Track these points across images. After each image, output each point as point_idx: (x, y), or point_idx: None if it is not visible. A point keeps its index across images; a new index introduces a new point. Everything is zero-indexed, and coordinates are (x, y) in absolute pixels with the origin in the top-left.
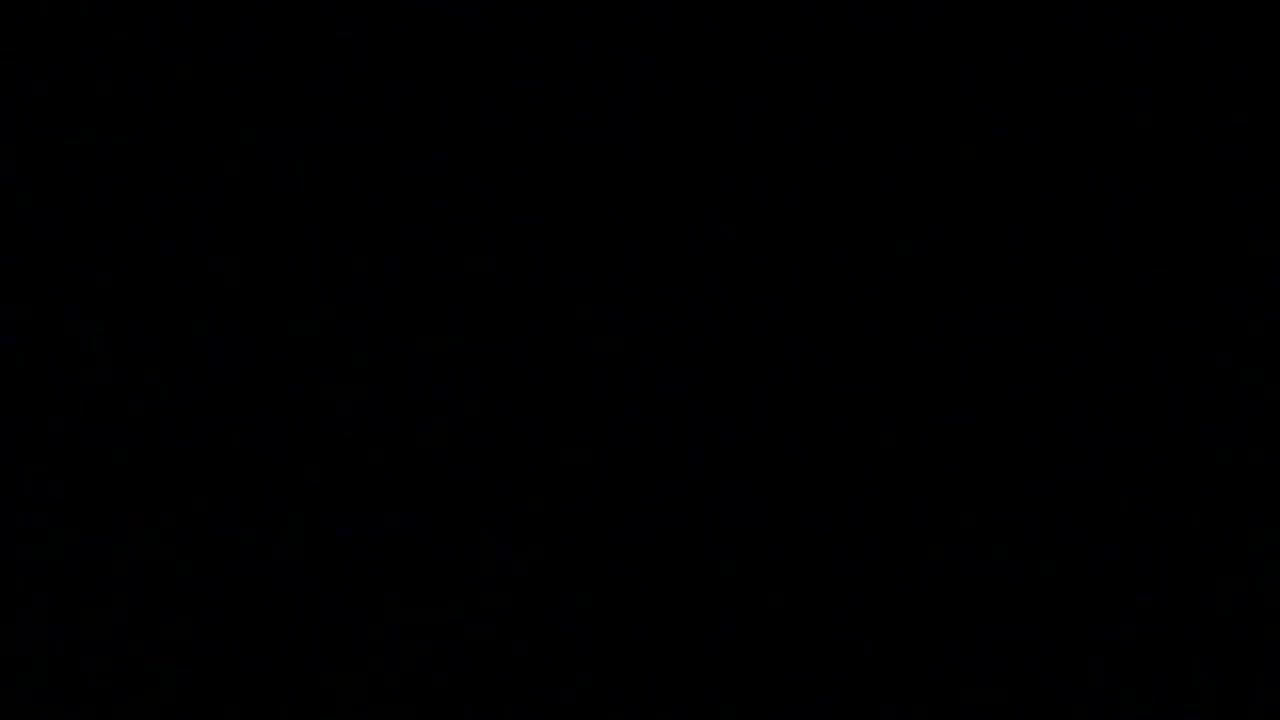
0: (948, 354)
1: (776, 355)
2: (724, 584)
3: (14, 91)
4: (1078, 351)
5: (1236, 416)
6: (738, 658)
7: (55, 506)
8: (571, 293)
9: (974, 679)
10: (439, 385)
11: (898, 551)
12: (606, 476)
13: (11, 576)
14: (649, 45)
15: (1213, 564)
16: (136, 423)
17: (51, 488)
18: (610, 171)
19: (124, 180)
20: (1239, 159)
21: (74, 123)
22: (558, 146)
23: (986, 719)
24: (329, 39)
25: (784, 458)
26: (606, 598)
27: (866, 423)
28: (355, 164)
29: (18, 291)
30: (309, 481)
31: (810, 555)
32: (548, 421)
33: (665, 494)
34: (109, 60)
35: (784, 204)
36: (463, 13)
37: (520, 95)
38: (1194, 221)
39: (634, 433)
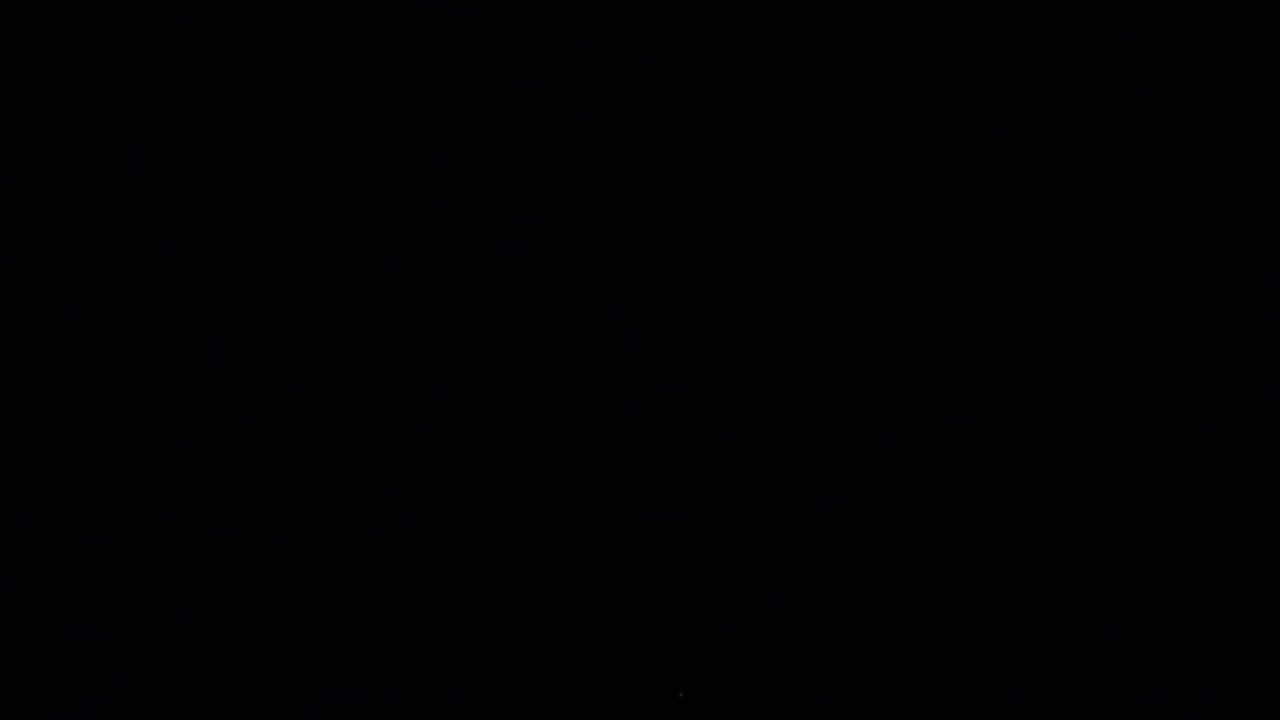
0: (948, 354)
1: (776, 355)
2: (724, 584)
3: (14, 91)
4: (1078, 351)
5: (1236, 416)
6: (738, 658)
7: (55, 506)
8: (571, 293)
9: (974, 679)
10: (439, 385)
11: (898, 551)
12: (606, 476)
13: (11, 576)
14: (649, 45)
15: (1213, 564)
16: (136, 423)
17: (51, 488)
18: (610, 171)
19: (124, 180)
20: (1239, 159)
21: (74, 123)
22: (558, 146)
23: (986, 719)
24: (329, 39)
25: (784, 458)
26: (606, 598)
27: (866, 422)
28: (355, 164)
29: (18, 291)
30: (309, 481)
31: (810, 555)
32: (548, 421)
33: (665, 494)
34: (109, 60)
35: (784, 204)
36: (463, 13)
37: (520, 95)
38: (1194, 221)
39: (634, 433)
